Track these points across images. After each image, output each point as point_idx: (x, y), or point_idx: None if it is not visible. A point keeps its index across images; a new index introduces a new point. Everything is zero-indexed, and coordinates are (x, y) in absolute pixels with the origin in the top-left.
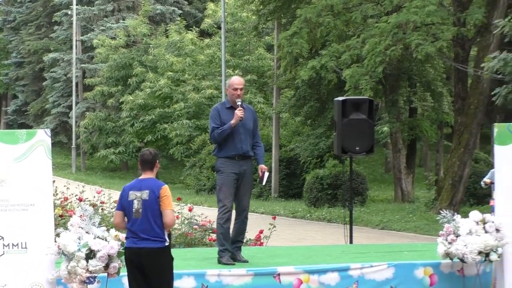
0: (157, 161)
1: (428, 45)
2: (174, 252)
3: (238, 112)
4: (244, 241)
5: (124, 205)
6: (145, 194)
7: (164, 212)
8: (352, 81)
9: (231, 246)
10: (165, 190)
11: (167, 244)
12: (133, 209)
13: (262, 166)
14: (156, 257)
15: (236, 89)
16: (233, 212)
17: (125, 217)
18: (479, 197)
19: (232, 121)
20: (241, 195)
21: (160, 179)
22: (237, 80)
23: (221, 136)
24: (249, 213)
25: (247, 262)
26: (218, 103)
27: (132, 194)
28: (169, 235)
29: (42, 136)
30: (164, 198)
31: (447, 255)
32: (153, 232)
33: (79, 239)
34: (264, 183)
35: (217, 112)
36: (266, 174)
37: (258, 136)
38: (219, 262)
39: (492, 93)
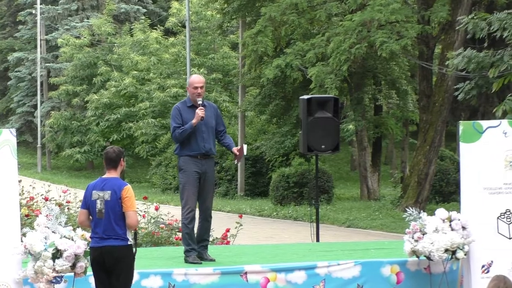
0: (122, 159)
1: (393, 43)
2: (140, 251)
3: (199, 112)
4: (211, 239)
5: (88, 203)
6: (107, 195)
7: (126, 214)
8: (317, 80)
9: (197, 245)
10: (127, 191)
11: (129, 243)
12: (96, 209)
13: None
14: (118, 255)
15: (196, 88)
16: (197, 211)
17: (90, 216)
18: (445, 195)
19: (194, 121)
20: (205, 194)
21: (126, 178)
22: (197, 78)
23: (182, 136)
24: (215, 211)
25: (214, 260)
26: (179, 102)
27: (95, 194)
28: (136, 234)
29: (8, 136)
30: (126, 199)
31: (414, 252)
32: (115, 232)
33: (45, 238)
34: (245, 153)
35: (178, 112)
36: (245, 145)
37: (224, 128)
38: (186, 261)
39: (455, 87)
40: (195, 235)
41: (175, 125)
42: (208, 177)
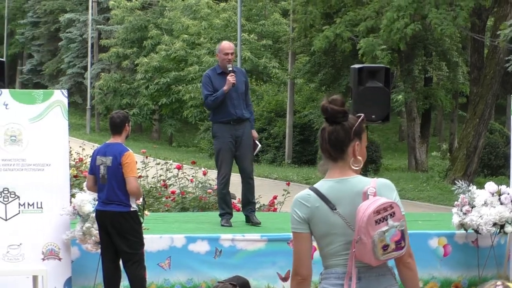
0: (127, 124)
1: (447, 25)
2: (187, 216)
3: (230, 78)
4: (258, 206)
5: (93, 169)
6: (108, 161)
7: (126, 180)
8: (367, 53)
9: (244, 209)
10: (127, 156)
11: (132, 209)
12: (100, 175)
13: (254, 134)
14: (119, 220)
15: (227, 54)
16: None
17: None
18: (493, 168)
19: (225, 87)
20: (242, 158)
21: (174, 143)
22: (227, 44)
23: (215, 103)
24: (262, 178)
25: (260, 224)
26: (209, 69)
27: (99, 159)
28: (144, 203)
29: (59, 97)
30: (125, 165)
31: (462, 225)
32: (117, 198)
33: (94, 200)
34: (254, 154)
35: (209, 79)
36: (259, 146)
37: (248, 98)
38: (221, 223)
39: (506, 58)
40: (241, 199)
41: (207, 93)
42: (244, 141)
